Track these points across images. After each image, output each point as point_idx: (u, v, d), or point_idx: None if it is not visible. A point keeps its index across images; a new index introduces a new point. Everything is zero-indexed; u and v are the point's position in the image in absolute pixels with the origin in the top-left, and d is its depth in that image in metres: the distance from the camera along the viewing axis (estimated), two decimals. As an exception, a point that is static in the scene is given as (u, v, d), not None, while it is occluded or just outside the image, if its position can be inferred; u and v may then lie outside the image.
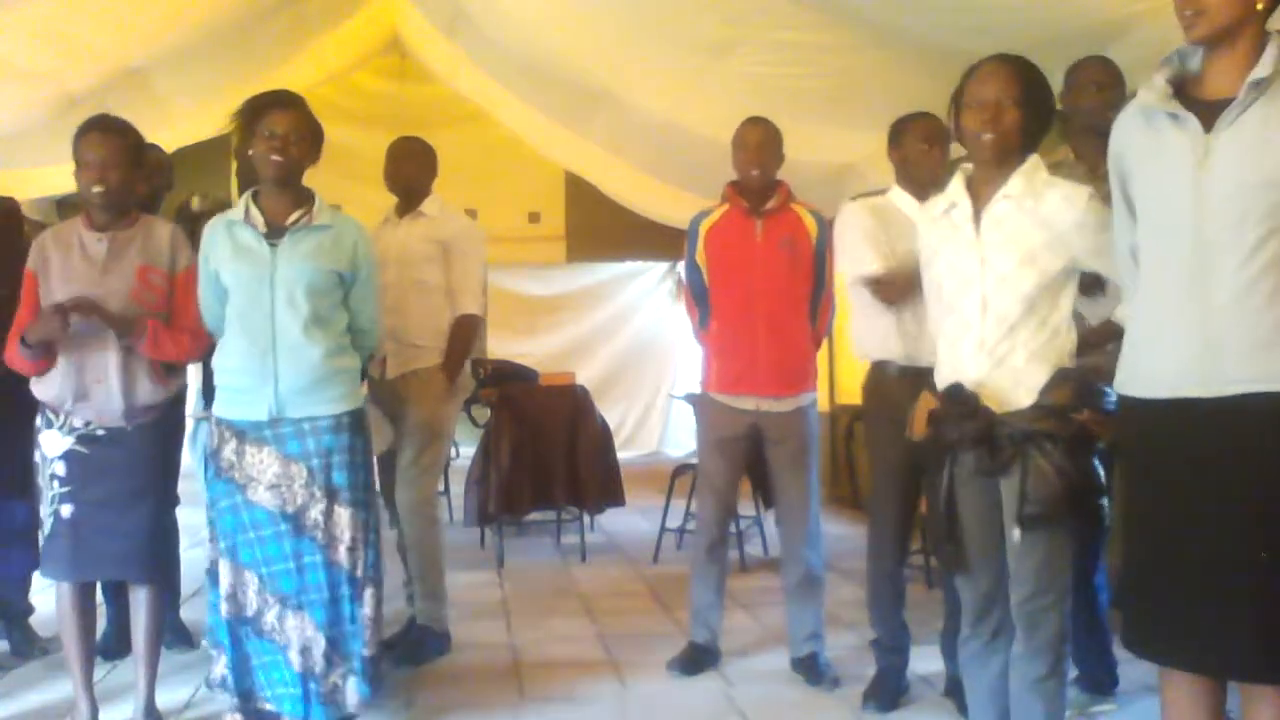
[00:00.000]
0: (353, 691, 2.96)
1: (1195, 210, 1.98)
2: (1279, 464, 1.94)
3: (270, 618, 2.95)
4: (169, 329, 3.01)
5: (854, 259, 3.31)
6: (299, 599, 2.94)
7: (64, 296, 2.92)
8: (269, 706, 3.01)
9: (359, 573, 2.97)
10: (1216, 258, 1.96)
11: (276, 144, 2.91)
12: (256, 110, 2.95)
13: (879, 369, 3.33)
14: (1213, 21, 1.96)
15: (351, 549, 2.96)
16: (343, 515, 2.96)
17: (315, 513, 2.94)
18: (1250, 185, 1.93)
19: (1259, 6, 1.95)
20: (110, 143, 2.96)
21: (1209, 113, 1.98)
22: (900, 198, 3.30)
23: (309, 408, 2.94)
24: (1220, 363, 1.96)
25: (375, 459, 3.50)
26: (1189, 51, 2.07)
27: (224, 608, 2.97)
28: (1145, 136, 2.09)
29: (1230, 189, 1.95)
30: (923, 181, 3.21)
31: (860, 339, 3.41)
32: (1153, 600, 2.08)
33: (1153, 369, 2.07)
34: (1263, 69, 1.93)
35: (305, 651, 2.93)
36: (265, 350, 2.92)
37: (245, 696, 3.00)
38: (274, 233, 2.96)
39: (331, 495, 2.95)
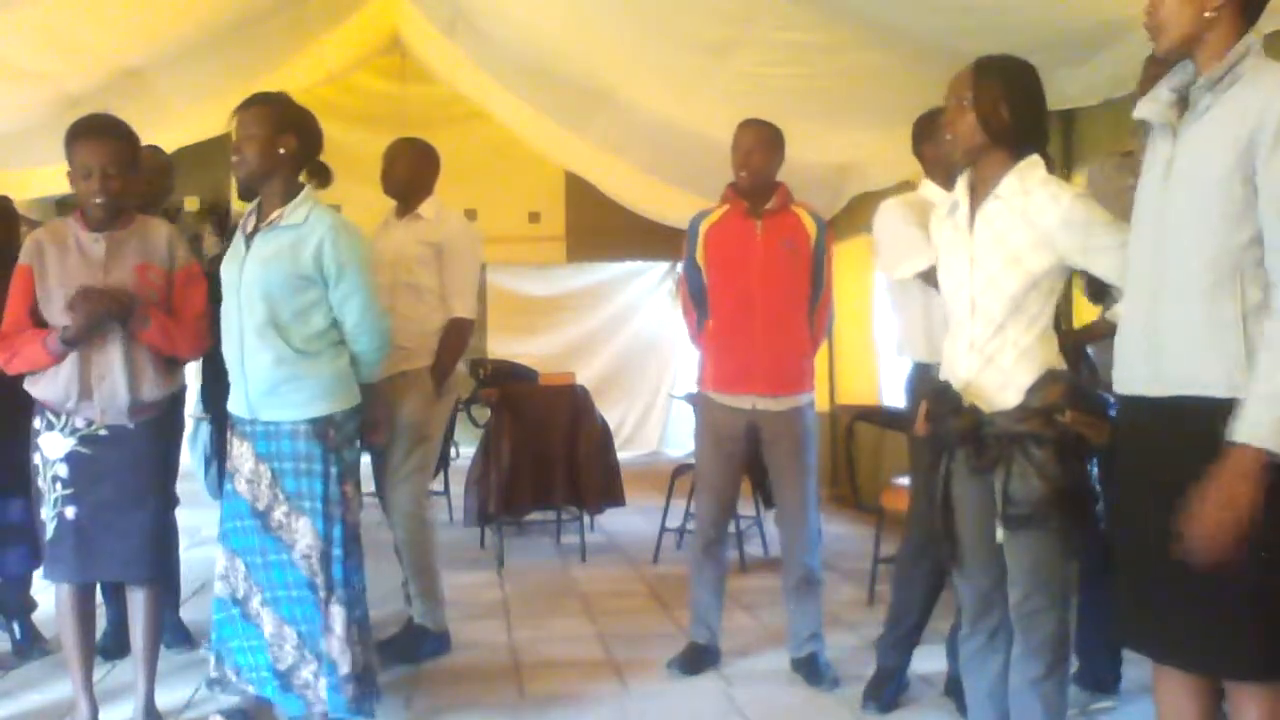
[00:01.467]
0: (321, 697, 2.92)
1: (1157, 215, 2.04)
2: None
3: (255, 604, 2.99)
4: (172, 320, 3.01)
5: (899, 256, 3.20)
6: (267, 594, 2.95)
7: (62, 296, 2.91)
8: (248, 685, 3.03)
9: (321, 583, 2.90)
10: (1166, 260, 2.01)
11: (233, 147, 2.91)
12: (236, 113, 2.95)
13: (924, 368, 3.31)
14: (1167, 38, 2.00)
15: (308, 557, 2.91)
16: (299, 523, 2.92)
17: (279, 514, 2.94)
18: (1194, 191, 1.97)
19: (1208, 14, 1.95)
20: (109, 148, 2.92)
21: None
22: (934, 192, 3.24)
23: (271, 411, 2.94)
24: (1162, 362, 2.00)
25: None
26: None
27: (218, 586, 3.02)
28: (1149, 149, 2.13)
29: (1181, 194, 1.99)
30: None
31: (905, 339, 3.38)
32: (1139, 594, 2.10)
33: (1122, 367, 2.12)
34: (1215, 71, 1.95)
35: (272, 645, 2.95)
36: (237, 351, 2.96)
37: (219, 658, 3.03)
38: (254, 234, 2.97)
39: (287, 500, 2.94)
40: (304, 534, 2.91)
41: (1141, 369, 2.05)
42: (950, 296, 2.43)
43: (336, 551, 2.92)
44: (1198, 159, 1.97)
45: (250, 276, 2.91)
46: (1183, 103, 2.05)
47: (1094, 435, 2.26)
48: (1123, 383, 2.11)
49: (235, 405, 3.02)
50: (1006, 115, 2.32)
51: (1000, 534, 2.29)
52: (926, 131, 3.30)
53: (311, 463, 2.91)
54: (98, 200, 2.92)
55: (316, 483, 2.91)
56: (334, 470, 2.94)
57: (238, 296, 2.94)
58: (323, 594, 2.90)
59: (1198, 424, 1.93)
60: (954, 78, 2.39)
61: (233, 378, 3.00)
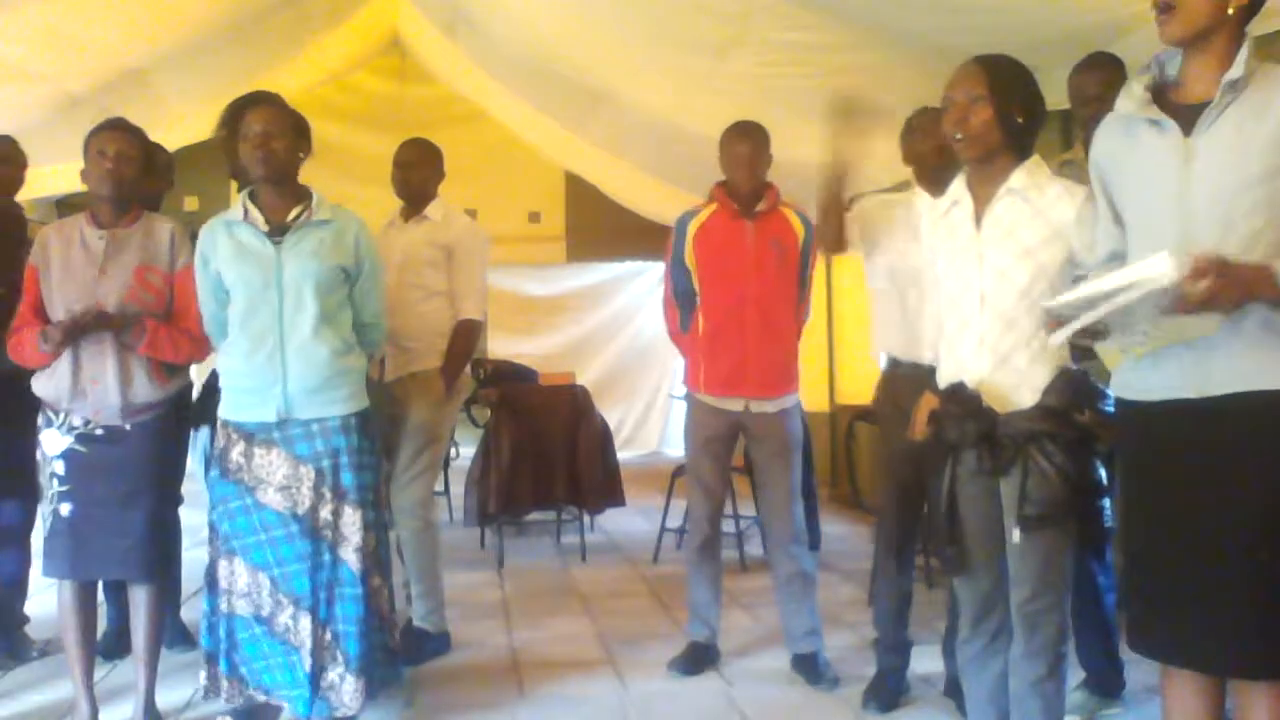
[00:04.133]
0: (351, 690, 2.92)
1: (1180, 214, 2.00)
2: (1270, 461, 1.95)
3: (284, 618, 2.94)
4: (168, 329, 3.01)
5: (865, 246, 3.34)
6: (311, 599, 2.93)
7: (62, 293, 2.95)
8: (269, 700, 3.01)
9: (369, 572, 2.97)
10: None
11: (258, 140, 2.91)
12: (236, 112, 2.96)
13: (892, 368, 3.32)
14: (1184, 23, 1.98)
15: (360, 549, 2.95)
16: (352, 516, 2.94)
17: (325, 513, 2.94)
18: (1232, 186, 1.95)
19: (1230, 11, 1.96)
20: (125, 137, 3.01)
21: (1188, 116, 2.00)
22: (919, 196, 3.25)
23: (318, 408, 2.93)
24: (1208, 364, 1.97)
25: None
26: (1167, 58, 2.08)
27: (223, 603, 2.96)
28: (1125, 144, 2.10)
29: (1214, 191, 1.96)
30: (942, 179, 3.18)
31: (880, 335, 3.40)
32: (1153, 598, 2.09)
33: (1147, 373, 2.07)
34: (1236, 70, 1.94)
35: (315, 652, 2.93)
36: (273, 351, 2.91)
37: (240, 682, 2.98)
38: (276, 231, 2.95)
39: (340, 496, 2.95)
40: (357, 527, 2.95)
41: (1183, 370, 2.00)
42: (955, 294, 2.41)
43: (383, 535, 3.06)
44: (1233, 157, 1.94)
45: (296, 272, 2.91)
46: (1157, 99, 2.04)
47: (1104, 434, 2.26)
48: (1151, 389, 2.05)
49: (257, 412, 2.94)
50: (1022, 115, 2.32)
51: (1016, 535, 2.28)
52: (912, 128, 3.32)
53: (363, 455, 3.00)
54: (106, 182, 2.97)
55: (368, 474, 3.01)
56: (376, 461, 3.08)
57: (278, 296, 2.91)
58: (375, 581, 3.00)
59: (1255, 419, 1.93)
60: (956, 75, 2.36)
61: (257, 381, 2.92)
